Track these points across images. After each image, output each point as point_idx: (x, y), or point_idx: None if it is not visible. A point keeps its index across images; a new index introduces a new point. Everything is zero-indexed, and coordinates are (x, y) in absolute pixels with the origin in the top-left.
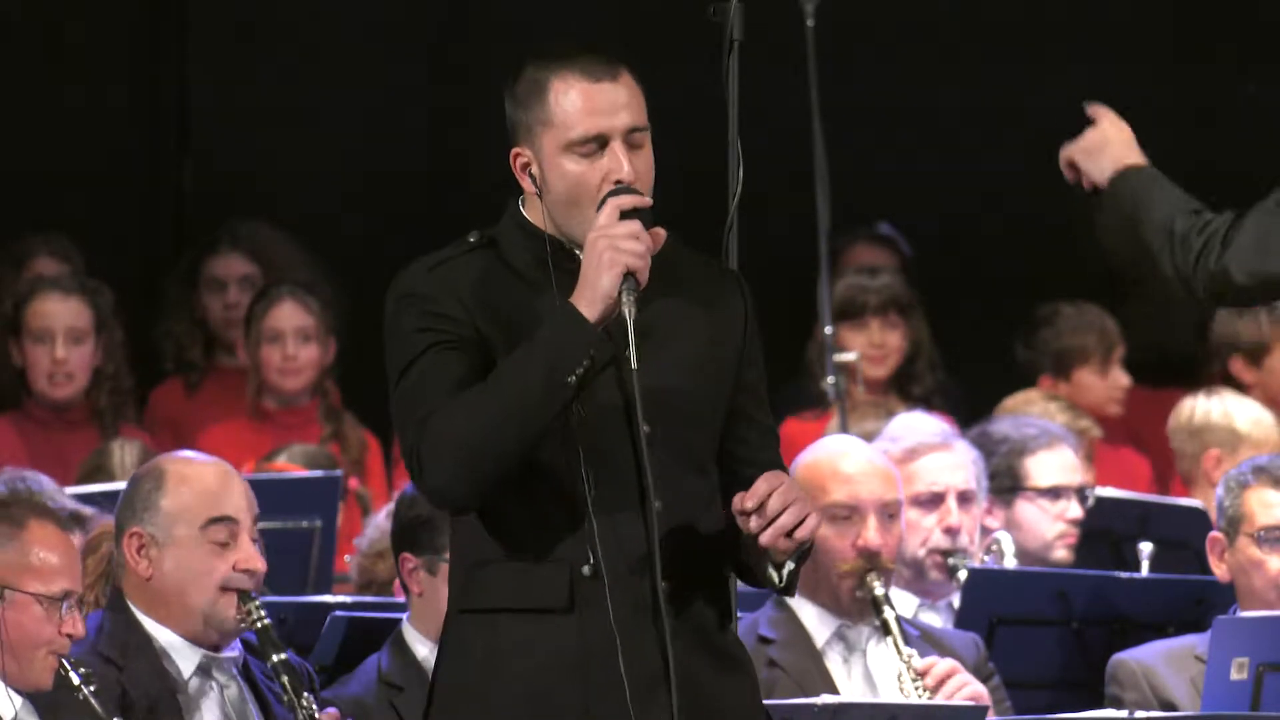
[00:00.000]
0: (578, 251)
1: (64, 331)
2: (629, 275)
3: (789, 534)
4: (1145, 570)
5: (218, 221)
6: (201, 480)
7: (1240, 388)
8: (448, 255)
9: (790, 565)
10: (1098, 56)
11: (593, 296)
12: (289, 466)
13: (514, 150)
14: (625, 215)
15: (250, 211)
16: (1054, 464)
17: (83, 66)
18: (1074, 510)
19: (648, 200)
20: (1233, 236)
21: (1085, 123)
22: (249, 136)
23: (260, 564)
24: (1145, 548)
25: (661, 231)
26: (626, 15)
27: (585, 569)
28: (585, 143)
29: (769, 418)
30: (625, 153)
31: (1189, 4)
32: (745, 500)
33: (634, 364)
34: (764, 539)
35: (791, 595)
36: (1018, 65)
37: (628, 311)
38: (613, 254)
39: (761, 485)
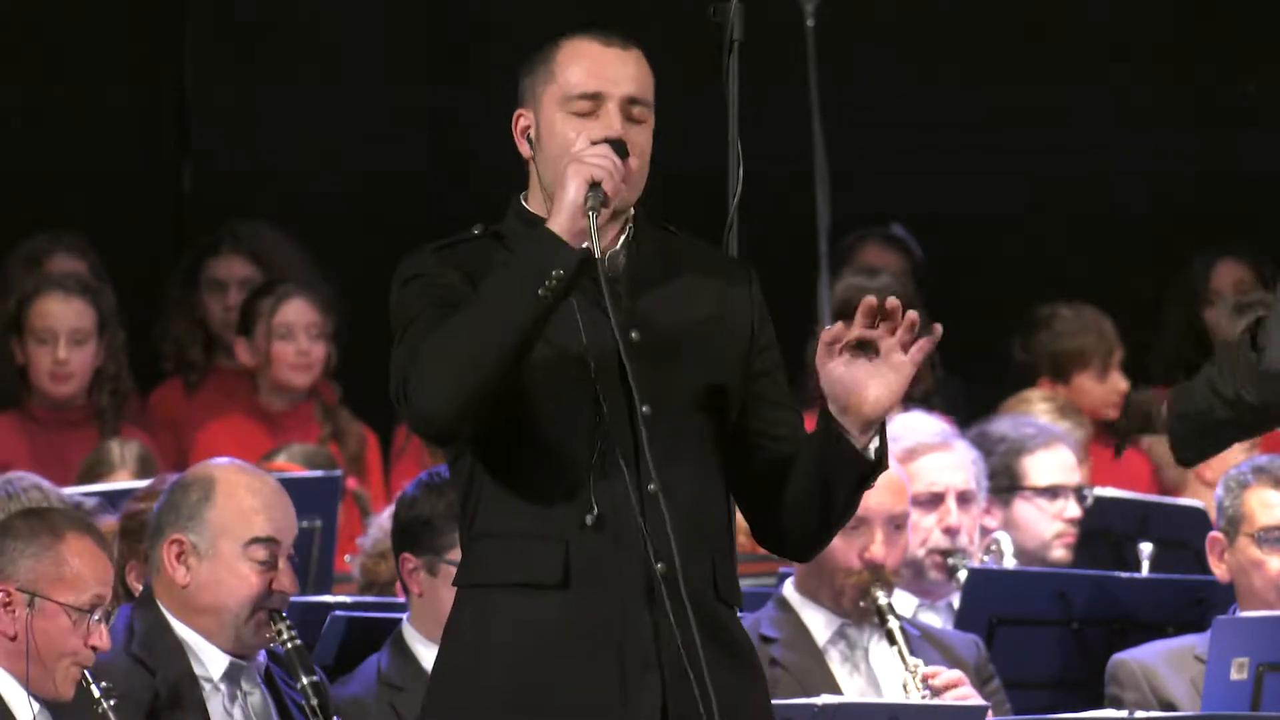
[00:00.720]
0: None
1: (67, 333)
2: (595, 185)
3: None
4: (1146, 570)
5: (218, 221)
6: (250, 496)
7: None
8: (452, 241)
9: (876, 441)
10: (1098, 56)
11: (559, 208)
12: (288, 466)
13: (516, 113)
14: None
15: (250, 212)
16: (1052, 464)
17: (83, 66)
18: (1072, 510)
19: (618, 130)
20: (1262, 338)
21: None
22: (249, 136)
23: (294, 586)
24: (1145, 548)
25: (635, 161)
26: (626, 15)
27: (589, 518)
28: (582, 99)
29: (790, 399)
30: (620, 119)
31: (1189, 4)
32: (865, 307)
33: (596, 251)
34: (901, 333)
35: (885, 468)
36: (1018, 65)
37: (591, 219)
38: (576, 166)
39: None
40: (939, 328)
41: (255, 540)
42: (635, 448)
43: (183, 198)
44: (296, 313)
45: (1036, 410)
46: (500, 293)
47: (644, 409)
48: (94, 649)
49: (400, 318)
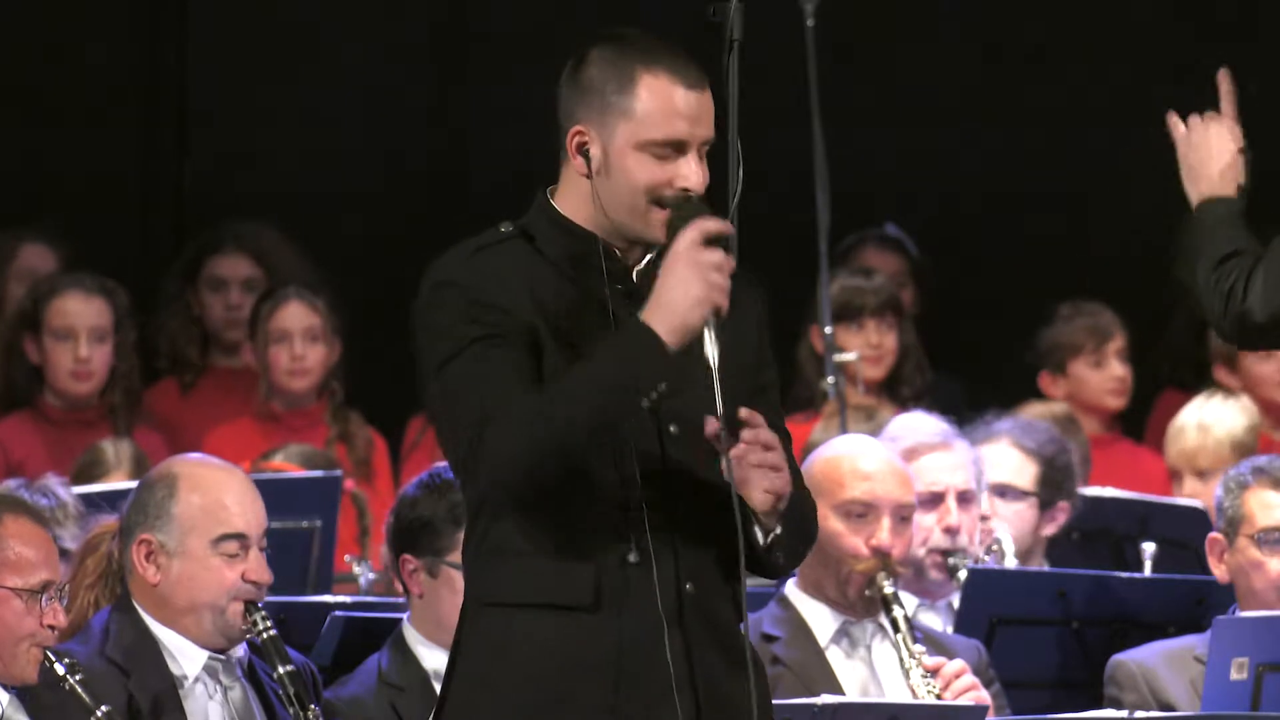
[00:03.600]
0: (618, 251)
1: (87, 331)
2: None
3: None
4: (1148, 570)
5: (218, 222)
6: (216, 491)
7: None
8: (484, 243)
9: (777, 530)
10: (1098, 56)
11: (674, 325)
12: (285, 466)
13: (575, 128)
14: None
15: (250, 211)
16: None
17: (82, 66)
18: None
19: (731, 228)
20: (1254, 279)
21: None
22: (249, 136)
23: (267, 576)
24: (1148, 548)
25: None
26: (626, 15)
27: (632, 556)
28: (665, 145)
29: (780, 419)
30: (699, 163)
31: (1189, 4)
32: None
33: (719, 406)
34: (742, 458)
35: (773, 566)
36: (1018, 65)
37: (710, 350)
38: (704, 289)
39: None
40: (759, 454)
41: (224, 537)
42: (663, 468)
43: (183, 198)
44: (291, 317)
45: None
46: (599, 396)
47: (671, 429)
48: (52, 628)
49: (438, 338)
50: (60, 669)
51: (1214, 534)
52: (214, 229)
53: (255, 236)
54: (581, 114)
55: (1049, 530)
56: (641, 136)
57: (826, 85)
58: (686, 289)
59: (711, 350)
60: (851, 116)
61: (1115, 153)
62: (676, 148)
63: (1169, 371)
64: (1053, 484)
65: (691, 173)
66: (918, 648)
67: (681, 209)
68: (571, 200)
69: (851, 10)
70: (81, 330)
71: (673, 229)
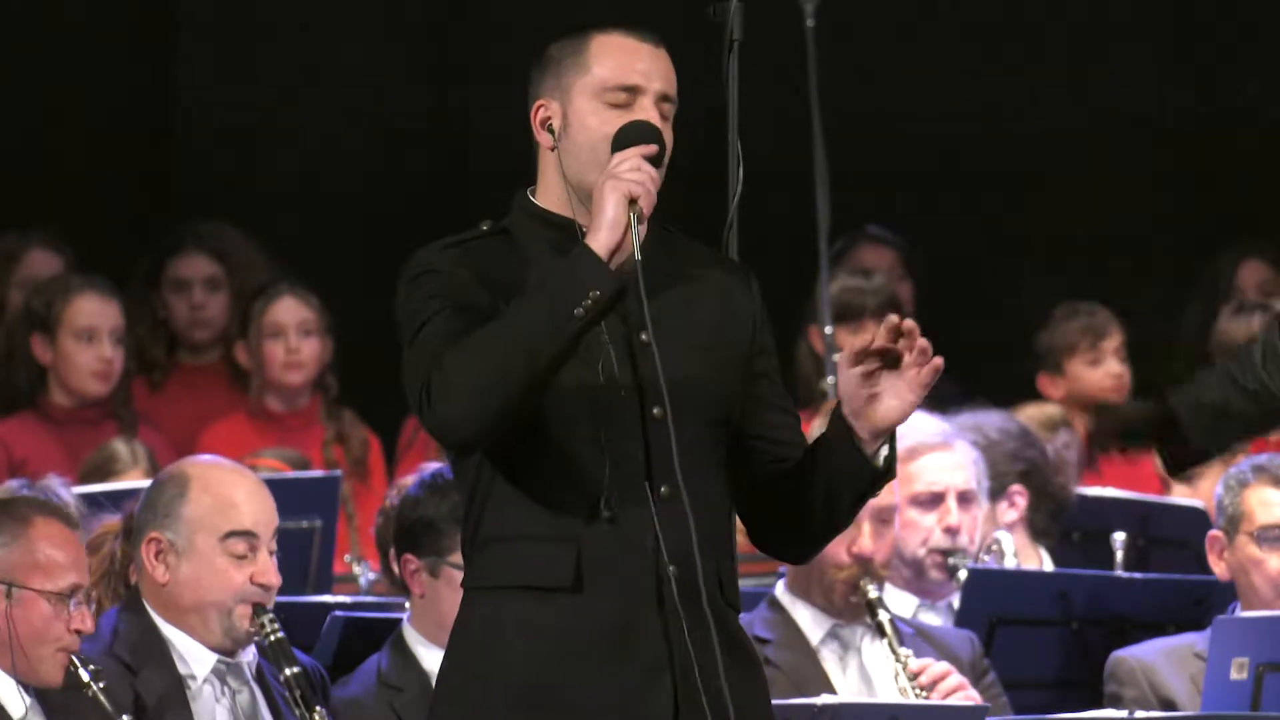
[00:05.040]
0: None
1: (109, 331)
2: (633, 202)
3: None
4: (1120, 561)
5: (215, 223)
6: (225, 490)
7: None
8: (462, 239)
9: (886, 449)
10: (1097, 56)
11: (598, 225)
12: (270, 463)
13: (537, 103)
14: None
15: (250, 212)
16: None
17: (79, 66)
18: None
19: (653, 148)
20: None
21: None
22: (247, 138)
23: (276, 579)
24: (1118, 538)
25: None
26: (626, 15)
27: (615, 535)
28: (618, 91)
29: (789, 403)
30: (655, 113)
31: (1189, 4)
32: (889, 325)
33: (644, 303)
34: (915, 354)
35: (893, 477)
36: (1017, 65)
37: (634, 235)
38: (614, 183)
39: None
40: (940, 361)
41: (232, 534)
42: (646, 450)
43: (180, 198)
44: (285, 312)
45: (1025, 417)
46: (532, 313)
47: (654, 411)
48: (78, 633)
49: (412, 314)
50: (85, 675)
51: (1214, 531)
52: (174, 231)
53: (215, 235)
54: (541, 88)
55: (1010, 517)
56: (595, 86)
57: (826, 85)
58: (602, 194)
59: (635, 238)
60: (851, 116)
61: (1117, 152)
62: (630, 92)
63: (1180, 371)
64: (995, 472)
65: (647, 117)
66: (904, 651)
67: (624, 130)
68: (547, 190)
69: (851, 10)
70: (104, 330)
71: (614, 147)
